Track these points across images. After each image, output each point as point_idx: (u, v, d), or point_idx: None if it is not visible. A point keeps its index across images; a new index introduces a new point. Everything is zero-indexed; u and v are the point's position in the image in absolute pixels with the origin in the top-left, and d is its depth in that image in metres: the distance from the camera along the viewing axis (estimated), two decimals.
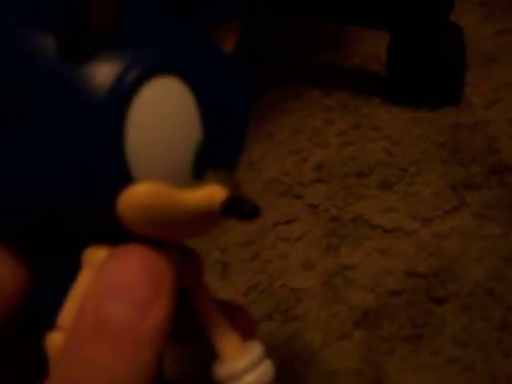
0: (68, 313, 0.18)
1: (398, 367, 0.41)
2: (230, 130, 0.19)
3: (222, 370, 0.21)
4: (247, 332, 0.22)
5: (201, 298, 0.21)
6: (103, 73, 0.17)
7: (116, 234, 0.18)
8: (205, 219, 0.18)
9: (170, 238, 0.19)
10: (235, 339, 0.21)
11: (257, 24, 0.69)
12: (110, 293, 0.16)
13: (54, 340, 0.18)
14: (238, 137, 0.19)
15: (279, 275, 0.48)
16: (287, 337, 0.43)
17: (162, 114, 0.17)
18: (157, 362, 0.17)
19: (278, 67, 0.69)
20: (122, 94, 0.17)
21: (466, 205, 0.51)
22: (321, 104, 0.63)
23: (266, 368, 0.22)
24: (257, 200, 0.18)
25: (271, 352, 0.23)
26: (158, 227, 0.18)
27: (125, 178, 0.17)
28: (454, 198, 0.52)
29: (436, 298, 0.45)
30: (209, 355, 0.22)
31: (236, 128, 0.19)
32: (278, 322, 0.44)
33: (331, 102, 0.63)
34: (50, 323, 0.18)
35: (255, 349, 0.22)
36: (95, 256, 0.18)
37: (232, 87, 0.19)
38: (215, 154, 0.18)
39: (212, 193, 0.18)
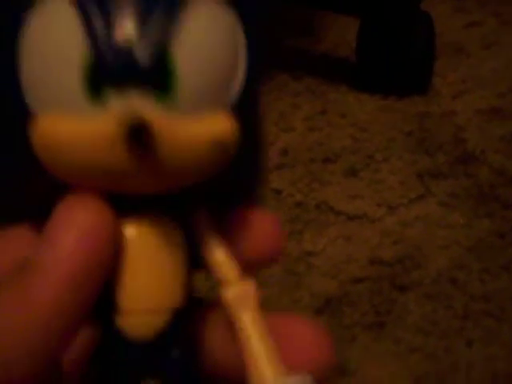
0: None
1: (360, 355, 0.41)
2: (137, 35, 0.15)
3: None
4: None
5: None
6: None
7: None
8: (117, 154, 0.15)
9: (107, 188, 0.16)
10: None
11: None
12: (43, 236, 0.16)
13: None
14: (154, 43, 0.15)
15: None
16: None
17: (42, 36, 0.15)
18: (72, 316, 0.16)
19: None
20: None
21: (432, 193, 0.51)
22: (288, 88, 0.62)
23: None
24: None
25: None
26: (75, 169, 0.15)
27: (25, 111, 0.15)
28: (420, 186, 0.52)
29: (399, 285, 0.44)
30: None
31: (148, 31, 0.15)
32: None
33: (299, 87, 0.62)
34: None
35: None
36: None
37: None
38: (115, 69, 0.15)
39: (108, 120, 0.15)
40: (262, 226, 0.18)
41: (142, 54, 0.15)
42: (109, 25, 0.15)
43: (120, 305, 0.16)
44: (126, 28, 0.15)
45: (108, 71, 0.15)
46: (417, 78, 0.61)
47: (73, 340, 0.16)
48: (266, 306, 0.48)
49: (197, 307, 0.18)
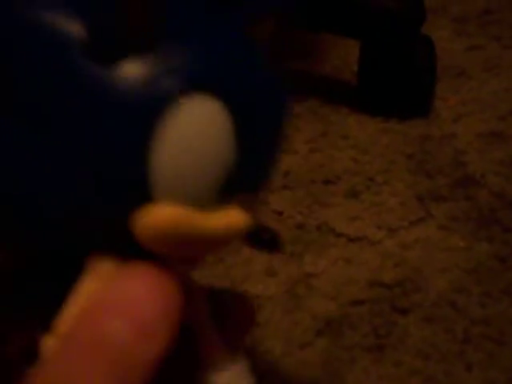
0: (65, 319, 0.16)
1: (360, 378, 0.41)
2: (265, 152, 0.17)
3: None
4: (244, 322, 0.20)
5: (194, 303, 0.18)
6: (137, 77, 0.15)
7: (125, 246, 0.16)
8: (222, 243, 0.17)
9: (183, 256, 0.17)
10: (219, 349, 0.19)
11: None
12: (113, 309, 0.14)
13: (48, 344, 0.16)
14: (271, 157, 0.17)
15: (242, 281, 0.47)
16: (247, 344, 0.42)
17: (195, 132, 0.15)
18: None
19: None
20: (156, 101, 0.15)
21: (432, 216, 0.51)
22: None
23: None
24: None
25: None
26: (175, 248, 0.16)
27: (143, 196, 0.15)
28: (420, 209, 0.52)
29: (399, 308, 0.44)
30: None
31: (271, 148, 0.17)
32: None
33: (300, 109, 0.63)
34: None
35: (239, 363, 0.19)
36: (100, 266, 0.16)
37: (271, 104, 0.17)
38: (246, 177, 0.16)
39: (234, 219, 0.16)
40: (243, 309, 0.20)
41: (270, 167, 0.18)
42: (257, 140, 0.17)
43: None
44: None
45: (247, 183, 0.17)
46: (418, 101, 0.62)
47: None
48: (266, 328, 0.48)
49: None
